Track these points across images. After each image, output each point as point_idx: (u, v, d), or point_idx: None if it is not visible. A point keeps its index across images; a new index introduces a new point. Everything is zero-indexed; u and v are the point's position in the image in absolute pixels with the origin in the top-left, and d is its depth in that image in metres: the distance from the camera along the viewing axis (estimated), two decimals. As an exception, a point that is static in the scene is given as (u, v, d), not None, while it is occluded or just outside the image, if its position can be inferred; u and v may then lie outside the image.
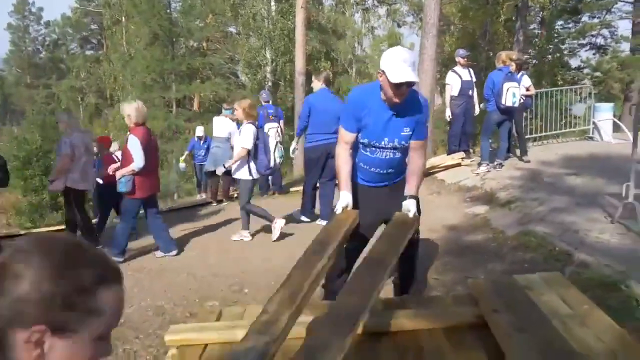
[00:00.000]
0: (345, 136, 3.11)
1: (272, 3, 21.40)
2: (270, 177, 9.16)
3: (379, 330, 2.67)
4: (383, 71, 2.87)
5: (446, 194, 7.41)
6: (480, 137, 8.19)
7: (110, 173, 6.42)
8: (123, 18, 28.07)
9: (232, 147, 8.91)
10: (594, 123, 10.35)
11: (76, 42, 43.84)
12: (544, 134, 10.64)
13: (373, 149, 3.12)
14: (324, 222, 6.42)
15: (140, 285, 4.67)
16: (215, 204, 8.78)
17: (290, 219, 6.55)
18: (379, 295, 2.52)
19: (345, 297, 2.32)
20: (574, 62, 19.52)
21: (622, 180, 5.07)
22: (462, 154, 8.72)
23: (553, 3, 19.43)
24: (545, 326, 2.50)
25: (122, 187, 5.26)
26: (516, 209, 5.95)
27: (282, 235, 5.90)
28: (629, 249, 4.15)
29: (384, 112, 3.01)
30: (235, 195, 9.39)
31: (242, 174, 5.82)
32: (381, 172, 3.22)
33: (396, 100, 2.91)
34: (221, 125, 8.81)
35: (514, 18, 17.77)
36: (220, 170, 6.52)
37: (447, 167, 8.61)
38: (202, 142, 11.07)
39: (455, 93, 8.57)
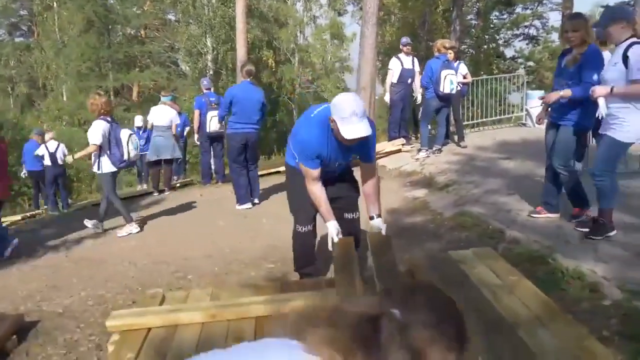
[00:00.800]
0: (313, 173, 3.18)
1: (212, -10, 21.00)
2: (213, 166, 9.09)
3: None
4: (335, 121, 2.92)
5: (387, 179, 7.58)
6: (419, 123, 8.40)
7: None
8: (55, 4, 26.77)
9: (174, 135, 8.81)
10: (526, 110, 10.83)
11: (4, 29, 41.43)
12: (480, 120, 11.05)
13: (325, 166, 3.25)
14: (256, 200, 6.85)
15: (80, 275, 4.57)
16: (156, 194, 8.62)
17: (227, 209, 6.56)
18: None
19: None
20: (508, 52, 20.31)
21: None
22: (402, 140, 8.93)
23: (488, -6, 20.09)
24: (476, 295, 2.66)
25: None
26: (453, 191, 6.18)
27: (223, 224, 5.90)
28: (555, 226, 4.40)
29: (336, 146, 3.13)
30: (178, 184, 9.26)
31: (98, 168, 5.76)
32: (330, 174, 3.38)
33: (348, 144, 3.03)
34: (161, 113, 8.64)
35: (451, 8, 18.25)
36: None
37: (388, 154, 8.80)
38: (141, 132, 10.81)
39: (395, 80, 8.74)
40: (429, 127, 8.50)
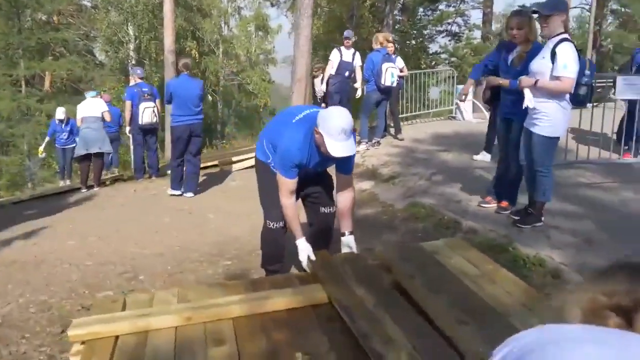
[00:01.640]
0: (289, 185, 3.11)
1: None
2: (147, 161, 8.68)
3: (306, 304, 2.67)
4: (322, 135, 2.86)
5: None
6: (359, 116, 8.45)
7: None
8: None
9: (104, 127, 8.33)
10: (456, 104, 11.19)
11: None
12: (412, 113, 11.29)
13: (302, 173, 3.20)
14: (189, 195, 6.94)
15: (15, 280, 4.17)
16: (85, 190, 8.09)
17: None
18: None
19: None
20: (433, 48, 20.97)
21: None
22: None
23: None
24: (458, 286, 2.67)
25: None
26: (399, 183, 6.25)
27: (168, 220, 5.64)
28: (505, 215, 4.54)
29: (317, 156, 3.08)
30: (108, 182, 8.76)
31: None
32: (307, 177, 3.33)
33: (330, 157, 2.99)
34: (90, 105, 8.14)
35: (381, 4, 18.54)
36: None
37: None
38: (63, 124, 10.15)
39: (333, 72, 8.72)
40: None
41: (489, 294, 2.53)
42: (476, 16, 27.05)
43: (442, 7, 19.11)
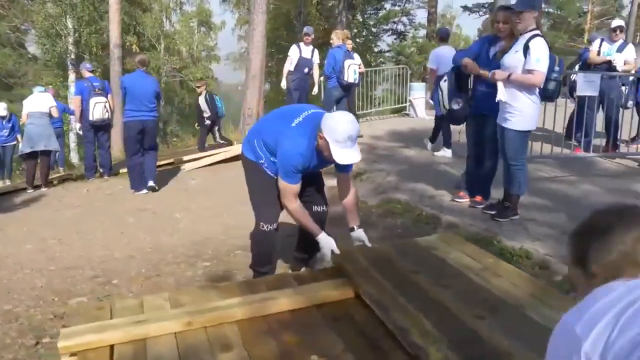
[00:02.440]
0: (293, 189, 3.02)
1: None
2: (98, 159, 8.27)
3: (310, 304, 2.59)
4: (327, 141, 2.77)
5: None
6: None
7: None
8: None
9: (50, 123, 7.88)
10: (409, 101, 11.35)
11: None
12: (365, 111, 11.34)
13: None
14: (151, 183, 6.89)
15: (-29, 288, 3.84)
16: (31, 191, 7.61)
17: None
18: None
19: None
20: (379, 46, 21.19)
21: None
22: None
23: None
24: (464, 280, 2.65)
25: None
26: (367, 179, 6.23)
27: (133, 221, 5.37)
28: (480, 209, 4.60)
29: (318, 158, 3.01)
30: (56, 182, 8.28)
31: None
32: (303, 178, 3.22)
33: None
34: (36, 100, 7.67)
35: (328, 2, 18.57)
36: None
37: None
38: (5, 121, 9.54)
39: (292, 68, 8.62)
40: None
41: (497, 286, 2.52)
42: (421, 15, 27.65)
43: (387, 6, 19.39)
